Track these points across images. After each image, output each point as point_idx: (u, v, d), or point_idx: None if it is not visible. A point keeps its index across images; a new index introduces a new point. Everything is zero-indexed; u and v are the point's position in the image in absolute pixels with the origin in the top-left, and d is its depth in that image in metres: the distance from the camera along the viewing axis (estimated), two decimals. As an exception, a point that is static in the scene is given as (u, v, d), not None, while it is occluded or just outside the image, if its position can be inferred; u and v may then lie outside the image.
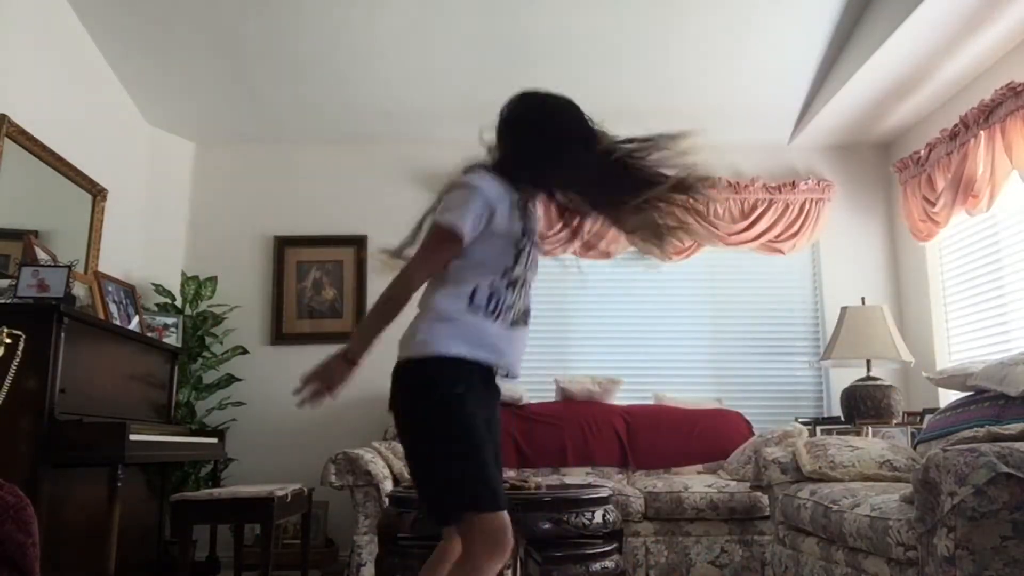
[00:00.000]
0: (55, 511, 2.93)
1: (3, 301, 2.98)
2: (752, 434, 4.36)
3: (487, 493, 1.72)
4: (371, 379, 5.40)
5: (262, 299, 4.88)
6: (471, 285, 1.86)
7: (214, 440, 4.00)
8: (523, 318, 1.98)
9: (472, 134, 5.06)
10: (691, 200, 2.03)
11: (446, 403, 1.77)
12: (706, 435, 4.35)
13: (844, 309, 4.29)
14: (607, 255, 4.87)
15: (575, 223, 2.17)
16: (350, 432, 4.55)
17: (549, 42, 4.16)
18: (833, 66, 4.30)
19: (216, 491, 3.47)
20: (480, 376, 1.84)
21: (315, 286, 4.91)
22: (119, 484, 2.93)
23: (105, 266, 4.12)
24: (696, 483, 3.81)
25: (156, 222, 4.80)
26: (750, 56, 4.25)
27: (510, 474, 4.07)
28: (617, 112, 5.39)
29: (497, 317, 1.87)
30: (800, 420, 4.45)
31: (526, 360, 4.54)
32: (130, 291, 4.06)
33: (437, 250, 1.86)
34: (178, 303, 4.60)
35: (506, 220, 1.90)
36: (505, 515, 1.72)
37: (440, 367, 1.80)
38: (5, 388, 2.46)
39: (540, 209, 2.10)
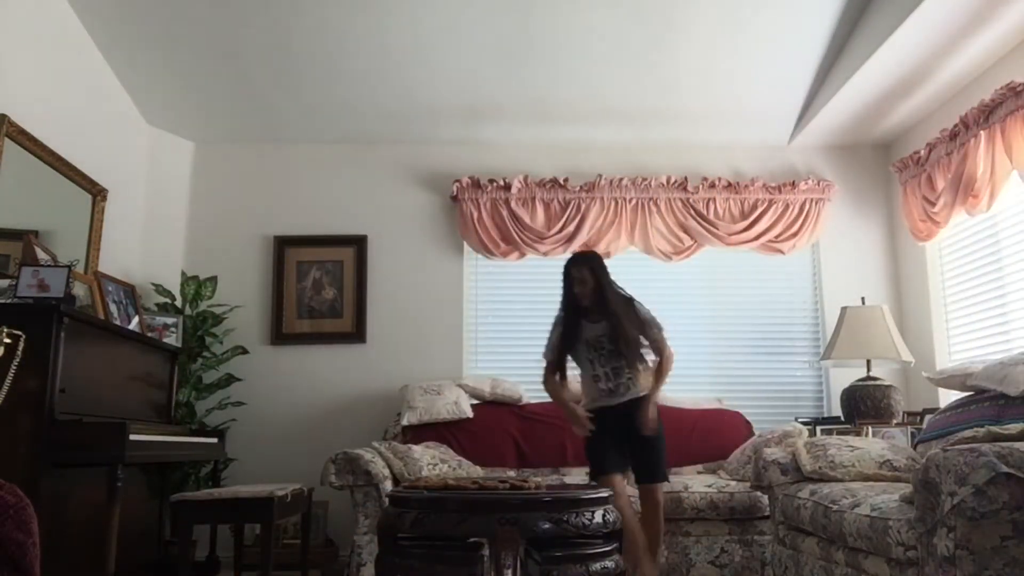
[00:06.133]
0: (55, 511, 2.93)
1: (3, 301, 2.98)
2: (752, 434, 4.36)
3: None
4: (371, 380, 5.41)
5: (262, 299, 4.88)
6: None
7: (214, 440, 4.00)
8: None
9: (472, 134, 5.19)
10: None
11: None
12: (706, 435, 4.34)
13: (844, 309, 4.30)
14: (607, 255, 4.87)
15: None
16: (350, 432, 4.56)
17: (549, 42, 4.16)
18: (833, 66, 4.30)
19: (216, 491, 3.47)
20: None
21: (315, 286, 4.91)
22: (119, 484, 2.93)
23: (105, 266, 4.12)
24: (696, 483, 3.80)
25: (156, 222, 4.80)
26: (750, 56, 4.25)
27: (510, 474, 4.08)
28: (617, 112, 5.40)
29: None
30: (800, 420, 4.45)
31: (526, 360, 4.73)
32: (130, 291, 4.06)
33: None
34: (178, 303, 4.60)
35: None
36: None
37: None
38: (5, 388, 2.46)
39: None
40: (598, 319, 3.37)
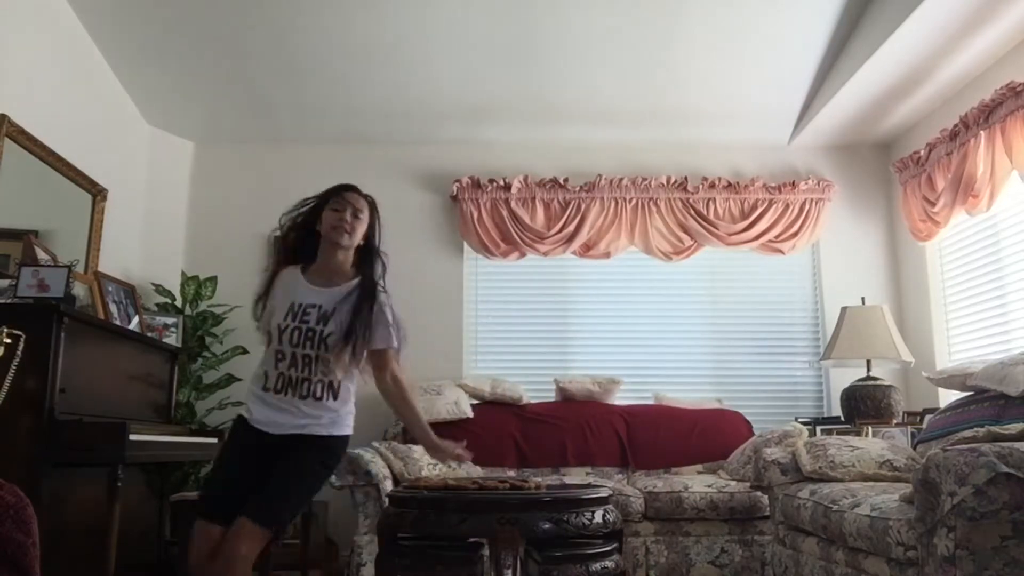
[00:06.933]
0: (55, 511, 2.93)
1: (3, 301, 2.98)
2: (752, 434, 4.36)
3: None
4: (371, 380, 5.37)
5: (262, 299, 4.88)
6: (262, 368, 2.34)
7: (214, 440, 3.99)
8: (290, 387, 2.27)
9: (472, 134, 5.19)
10: None
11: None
12: (706, 435, 4.34)
13: (844, 309, 4.30)
14: (607, 255, 4.87)
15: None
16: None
17: (549, 43, 4.16)
18: (833, 66, 4.29)
19: (216, 491, 3.47)
20: (242, 425, 2.31)
21: (315, 286, 4.90)
22: (119, 484, 2.93)
23: (105, 266, 4.12)
24: (696, 483, 3.81)
25: (156, 222, 4.80)
26: (750, 56, 4.25)
27: (510, 474, 4.08)
28: (618, 112, 5.40)
29: (265, 388, 2.28)
30: (800, 420, 4.45)
31: (526, 360, 4.71)
32: (130, 291, 4.06)
33: None
34: (178, 303, 4.60)
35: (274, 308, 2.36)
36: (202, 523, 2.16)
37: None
38: (5, 388, 2.46)
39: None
40: (330, 279, 2.39)
